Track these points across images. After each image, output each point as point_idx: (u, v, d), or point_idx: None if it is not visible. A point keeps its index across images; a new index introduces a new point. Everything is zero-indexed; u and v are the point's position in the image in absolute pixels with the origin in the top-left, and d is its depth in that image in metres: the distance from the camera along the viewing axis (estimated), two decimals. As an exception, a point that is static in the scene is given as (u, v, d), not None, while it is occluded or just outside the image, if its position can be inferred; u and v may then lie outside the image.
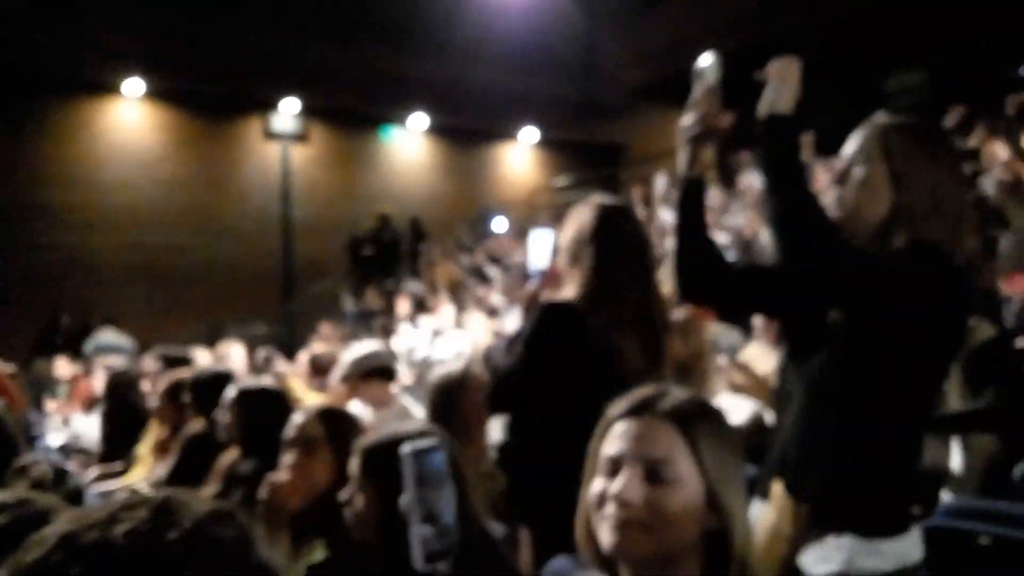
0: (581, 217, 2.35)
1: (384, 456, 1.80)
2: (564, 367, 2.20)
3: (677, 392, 1.25)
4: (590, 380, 2.05)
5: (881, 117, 1.71)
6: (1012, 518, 2.86)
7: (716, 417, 1.26)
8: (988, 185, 6.53)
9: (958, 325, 1.63)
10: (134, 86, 12.21)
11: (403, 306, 9.13)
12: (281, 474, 2.20)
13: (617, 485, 1.17)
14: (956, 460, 3.43)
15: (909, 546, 1.53)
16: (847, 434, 1.54)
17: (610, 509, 1.17)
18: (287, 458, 2.22)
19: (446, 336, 7.73)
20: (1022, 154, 6.77)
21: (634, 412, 1.22)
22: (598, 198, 2.42)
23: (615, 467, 1.19)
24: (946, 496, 3.37)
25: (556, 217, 12.72)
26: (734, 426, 3.79)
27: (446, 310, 7.94)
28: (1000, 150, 6.87)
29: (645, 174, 14.07)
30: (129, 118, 12.53)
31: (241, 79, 12.49)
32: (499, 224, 12.14)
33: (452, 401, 2.76)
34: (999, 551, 2.68)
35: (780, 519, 1.56)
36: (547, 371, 2.22)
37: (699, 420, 1.21)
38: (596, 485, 1.21)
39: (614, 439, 1.22)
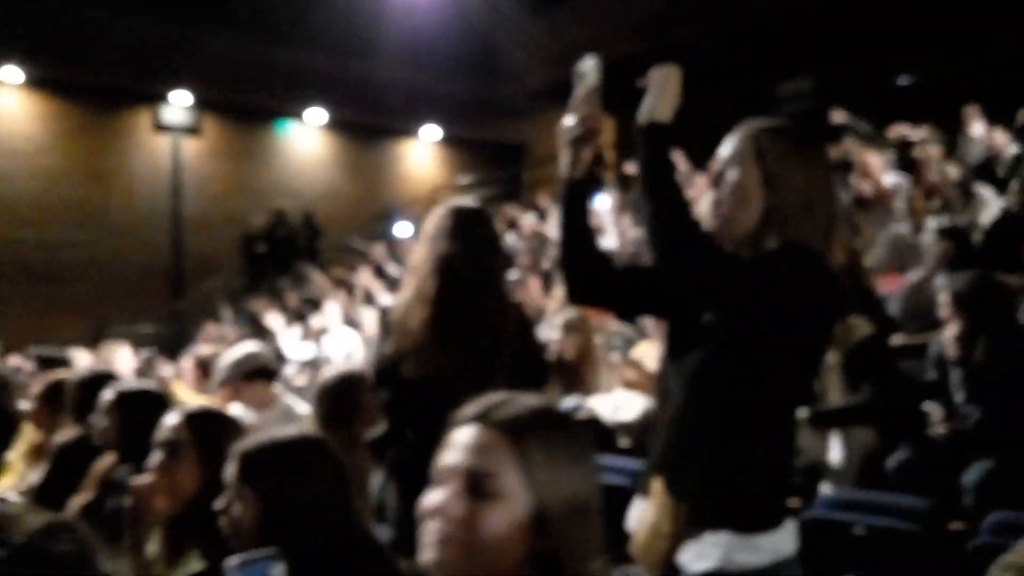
0: (435, 219, 2.48)
1: (263, 462, 1.77)
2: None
3: (521, 400, 1.15)
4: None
5: (755, 121, 1.75)
6: (885, 508, 3.00)
7: (558, 430, 1.15)
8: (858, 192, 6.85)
9: (827, 325, 1.66)
10: (11, 74, 11.56)
11: (292, 304, 8.96)
12: (144, 477, 2.11)
13: (437, 497, 1.10)
14: (835, 453, 3.56)
15: (784, 539, 1.56)
16: (723, 432, 1.56)
17: (429, 523, 1.09)
18: (152, 460, 2.14)
19: (335, 335, 7.63)
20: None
21: (468, 420, 1.13)
22: (456, 201, 2.58)
23: (443, 478, 1.12)
24: (825, 488, 3.50)
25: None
26: (626, 422, 3.88)
27: (332, 309, 7.83)
28: (873, 160, 7.23)
29: (547, 175, 14.24)
30: (6, 107, 11.85)
31: (129, 69, 11.98)
32: (402, 229, 11.95)
33: (341, 402, 2.70)
34: (872, 541, 2.79)
35: (660, 517, 1.58)
36: None
37: (535, 432, 1.11)
38: (428, 497, 1.12)
39: (446, 448, 1.13)
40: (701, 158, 9.43)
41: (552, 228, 9.01)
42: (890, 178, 6.75)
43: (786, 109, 10.69)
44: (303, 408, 3.62)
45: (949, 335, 3.59)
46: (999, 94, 7.82)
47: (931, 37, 10.32)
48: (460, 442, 1.12)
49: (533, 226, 9.23)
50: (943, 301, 3.62)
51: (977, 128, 7.43)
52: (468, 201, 2.62)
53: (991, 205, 5.72)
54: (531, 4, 13.79)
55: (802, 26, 11.00)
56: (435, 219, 2.52)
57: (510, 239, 9.34)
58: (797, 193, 1.61)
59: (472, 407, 1.15)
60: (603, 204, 9.77)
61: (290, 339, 8.10)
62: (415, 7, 12.26)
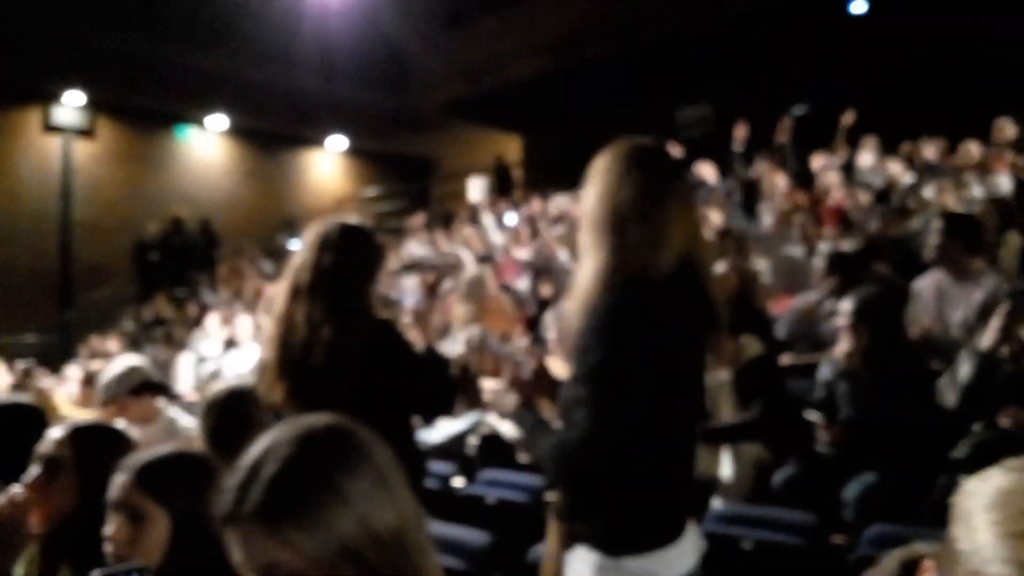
0: (315, 234, 2.46)
1: (171, 477, 1.74)
2: None
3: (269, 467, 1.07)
4: None
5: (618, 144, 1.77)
6: (771, 523, 3.09)
7: (316, 479, 1.06)
8: (767, 214, 7.11)
9: (679, 345, 1.62)
10: None
11: (192, 316, 8.65)
12: (19, 490, 1.99)
13: None
14: (726, 469, 3.65)
15: (663, 561, 1.57)
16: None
17: None
18: (29, 475, 2.02)
19: (243, 349, 7.38)
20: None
21: (224, 522, 1.08)
22: (338, 217, 2.55)
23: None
24: (717, 503, 3.58)
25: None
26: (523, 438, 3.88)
27: (243, 321, 7.57)
28: (780, 180, 7.51)
29: (457, 189, 14.27)
30: None
31: (18, 66, 11.41)
32: (298, 243, 11.71)
33: (229, 418, 2.60)
34: (760, 555, 2.87)
35: (550, 538, 1.58)
36: None
37: (282, 504, 1.04)
38: None
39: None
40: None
41: (460, 244, 9.02)
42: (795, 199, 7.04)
43: (685, 134, 11.01)
44: (188, 422, 3.49)
45: (844, 349, 3.70)
46: (892, 125, 8.26)
47: (825, 69, 10.86)
48: (235, 548, 1.07)
49: (443, 242, 9.17)
50: (845, 310, 3.73)
51: (870, 157, 7.78)
52: (347, 218, 2.54)
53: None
54: (443, 19, 13.82)
55: (702, 53, 11.39)
56: (307, 234, 2.51)
57: (420, 252, 9.27)
58: (624, 207, 1.63)
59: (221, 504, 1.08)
60: (511, 220, 9.86)
61: (196, 350, 7.81)
62: (326, 15, 12.10)
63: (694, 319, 1.62)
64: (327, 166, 15.68)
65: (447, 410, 2.65)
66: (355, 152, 15.68)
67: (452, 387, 2.84)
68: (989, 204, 5.34)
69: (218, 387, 2.74)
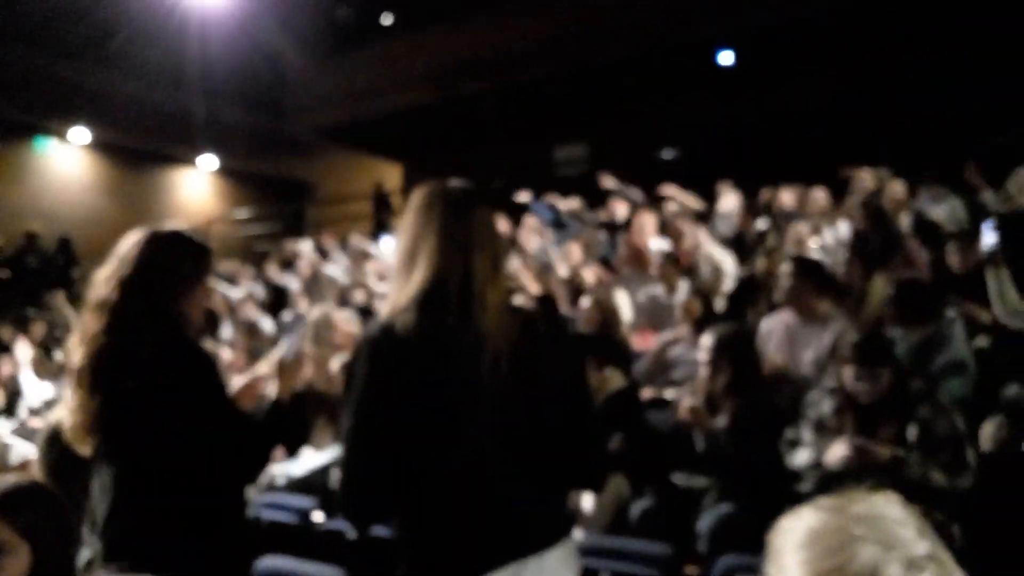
0: (128, 246, 2.17)
1: (33, 509, 1.74)
2: None
3: None
4: None
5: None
6: (628, 554, 3.15)
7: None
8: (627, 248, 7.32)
9: (427, 386, 1.56)
10: None
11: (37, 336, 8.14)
12: None
13: None
14: (587, 500, 3.70)
15: None
16: None
17: None
18: None
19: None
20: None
21: None
22: (152, 226, 2.23)
23: None
24: (578, 534, 3.62)
25: (231, 250, 12.22)
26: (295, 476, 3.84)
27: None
28: (648, 221, 7.76)
29: (332, 214, 14.07)
30: None
31: None
32: None
33: (72, 451, 2.43)
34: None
35: None
36: None
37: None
38: None
39: None
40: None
41: (333, 268, 8.85)
42: (656, 243, 7.28)
43: (560, 172, 11.29)
44: (25, 449, 3.27)
45: (705, 384, 3.83)
46: (752, 171, 8.71)
47: (694, 115, 11.39)
48: None
49: (313, 265, 8.93)
50: (706, 345, 3.86)
51: (729, 202, 8.14)
52: (164, 224, 2.26)
53: (730, 274, 6.28)
54: (326, 45, 13.70)
55: (579, 95, 11.74)
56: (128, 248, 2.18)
57: (289, 280, 9.04)
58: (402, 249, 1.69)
59: None
60: (388, 247, 9.77)
61: (29, 376, 7.33)
62: (203, 32, 11.75)
63: (461, 356, 1.55)
64: (197, 185, 15.13)
65: (251, 478, 2.25)
66: (228, 172, 15.20)
67: (263, 454, 2.24)
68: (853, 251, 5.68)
69: (55, 417, 2.56)
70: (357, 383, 1.54)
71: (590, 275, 6.57)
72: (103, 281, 2.11)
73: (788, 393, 4.16)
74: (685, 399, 3.73)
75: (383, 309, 1.65)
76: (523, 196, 9.56)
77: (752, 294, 5.43)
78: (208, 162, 14.74)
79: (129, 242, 2.16)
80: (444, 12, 12.25)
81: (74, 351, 2.07)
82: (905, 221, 6.42)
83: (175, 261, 2.17)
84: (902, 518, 0.89)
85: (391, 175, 15.92)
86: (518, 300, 1.71)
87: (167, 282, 2.13)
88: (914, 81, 9.99)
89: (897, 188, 6.98)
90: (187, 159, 14.57)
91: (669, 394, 4.76)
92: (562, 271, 6.95)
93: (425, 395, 1.52)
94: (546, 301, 6.35)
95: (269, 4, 11.61)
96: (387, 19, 14.01)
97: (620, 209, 8.33)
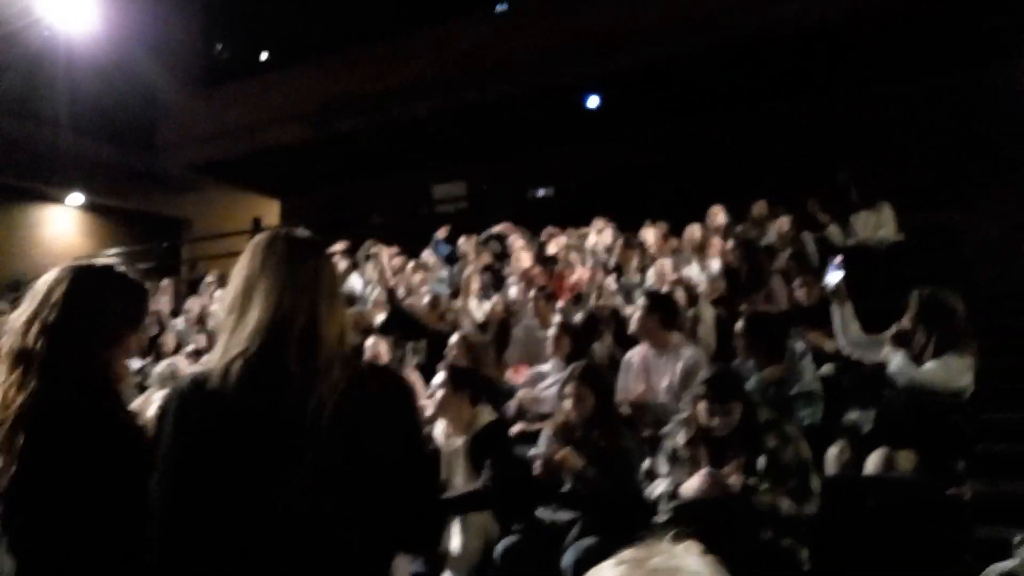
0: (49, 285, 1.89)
1: None
2: None
3: None
4: None
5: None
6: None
7: None
8: (511, 288, 7.43)
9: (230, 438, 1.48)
10: None
11: None
12: None
13: None
14: (455, 541, 3.69)
15: None
16: None
17: None
18: None
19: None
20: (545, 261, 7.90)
21: None
22: (71, 262, 1.99)
23: None
24: None
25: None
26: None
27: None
28: (522, 258, 7.89)
29: (208, 251, 13.64)
30: None
31: None
32: None
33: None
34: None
35: None
36: None
37: None
38: None
39: None
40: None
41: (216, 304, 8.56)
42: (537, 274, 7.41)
43: (440, 209, 11.37)
44: None
45: (567, 414, 3.90)
46: (625, 208, 9.02)
47: (565, 156, 11.74)
48: None
49: (200, 306, 8.61)
50: (572, 376, 3.93)
51: (604, 238, 8.36)
52: (95, 260, 2.09)
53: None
54: (200, 79, 13.38)
55: (457, 134, 11.89)
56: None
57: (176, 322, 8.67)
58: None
59: None
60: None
61: None
62: (69, 65, 11.24)
63: (284, 405, 1.48)
64: (64, 223, 14.40)
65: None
66: (96, 209, 14.54)
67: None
68: (677, 284, 5.95)
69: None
70: (164, 438, 1.48)
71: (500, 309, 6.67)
72: (21, 327, 1.78)
73: (648, 421, 4.31)
74: (551, 448, 3.78)
75: (214, 354, 1.57)
76: (441, 232, 9.51)
77: (595, 329, 5.59)
78: (74, 199, 14.08)
79: (50, 280, 1.84)
80: (320, 48, 12.21)
81: None
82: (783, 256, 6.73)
83: (107, 303, 1.85)
84: (699, 569, 0.92)
85: (270, 211, 15.61)
86: (356, 353, 1.69)
87: (98, 328, 1.82)
88: (766, 122, 10.63)
89: (783, 224, 7.33)
90: (53, 196, 13.87)
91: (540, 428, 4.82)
92: (458, 303, 7.02)
93: (235, 450, 1.45)
94: (437, 336, 6.36)
95: (140, 37, 11.27)
96: (263, 54, 13.83)
97: (517, 244, 8.45)
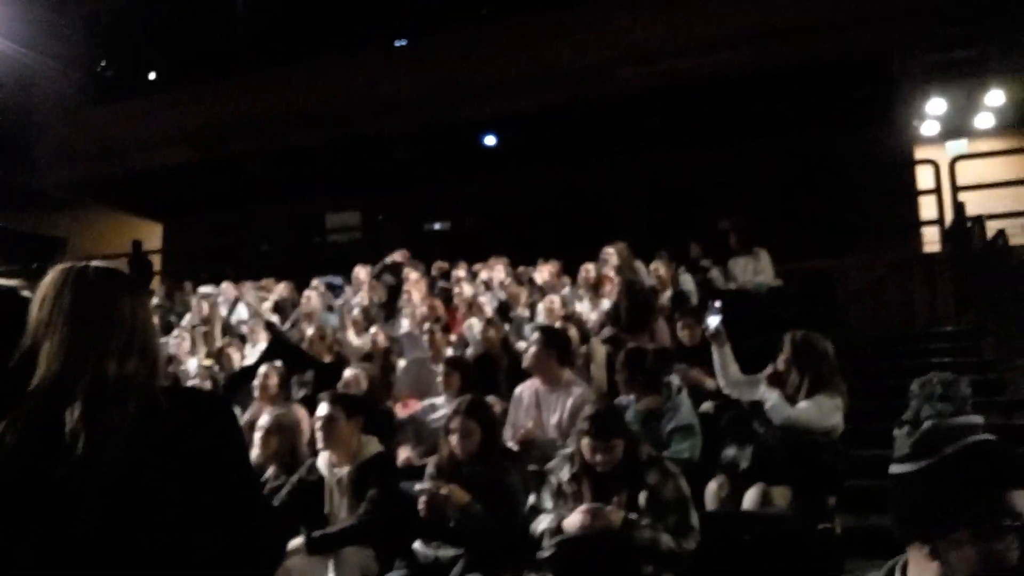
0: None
1: None
2: None
3: None
4: None
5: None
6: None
7: None
8: (405, 319, 7.37)
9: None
10: None
11: None
12: None
13: None
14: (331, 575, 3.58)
15: None
16: None
17: None
18: None
19: None
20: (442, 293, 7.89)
21: None
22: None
23: None
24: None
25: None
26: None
27: None
28: (416, 291, 7.86)
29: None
30: None
31: None
32: None
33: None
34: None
35: None
36: None
37: None
38: None
39: None
40: (249, 276, 9.50)
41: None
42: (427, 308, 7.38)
43: (334, 238, 11.24)
44: None
45: (453, 449, 3.87)
46: (519, 247, 9.14)
47: (462, 190, 11.84)
48: None
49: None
50: (458, 410, 3.90)
51: (497, 274, 8.40)
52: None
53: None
54: (83, 95, 12.83)
55: (352, 164, 11.82)
56: None
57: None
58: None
59: None
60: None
61: None
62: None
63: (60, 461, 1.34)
64: (-79, 238, 13.47)
65: None
66: (-37, 226, 13.69)
67: None
68: (569, 320, 6.04)
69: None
70: None
71: (382, 341, 6.57)
72: None
73: (536, 456, 4.32)
74: (435, 482, 3.74)
75: None
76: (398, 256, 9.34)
77: (493, 364, 5.62)
78: (-62, 214, 13.21)
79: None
80: (212, 71, 11.94)
81: None
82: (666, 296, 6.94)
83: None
84: None
85: (152, 234, 15.04)
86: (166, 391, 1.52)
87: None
88: (655, 167, 11.05)
89: (661, 266, 7.53)
90: (-91, 208, 12.98)
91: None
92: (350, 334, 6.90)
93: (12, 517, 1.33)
94: (335, 369, 6.20)
95: (19, 48, 10.74)
96: (151, 74, 13.38)
97: (412, 275, 8.39)
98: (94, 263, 1.57)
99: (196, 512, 1.38)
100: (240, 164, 11.83)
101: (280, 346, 6.34)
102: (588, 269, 7.66)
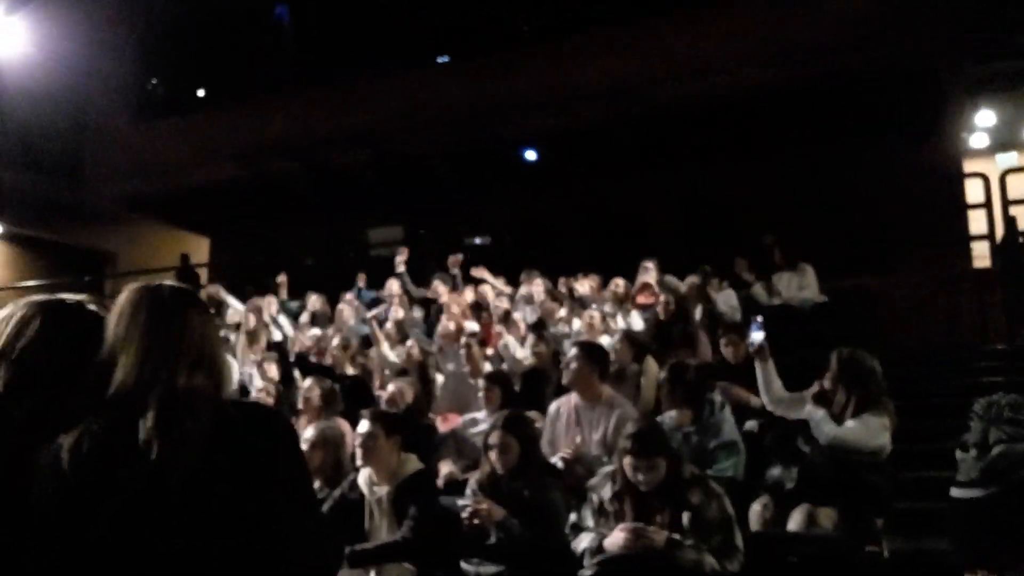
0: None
1: None
2: None
3: None
4: None
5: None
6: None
7: None
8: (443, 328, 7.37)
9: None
10: None
11: None
12: None
13: None
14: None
15: None
16: None
17: None
18: None
19: None
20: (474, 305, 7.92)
21: None
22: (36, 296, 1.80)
23: None
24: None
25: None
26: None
27: None
28: (455, 303, 7.89)
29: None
30: None
31: None
32: None
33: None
34: None
35: None
36: None
37: None
38: None
39: None
40: (297, 292, 9.62)
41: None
42: (470, 324, 7.40)
43: (375, 252, 11.35)
44: None
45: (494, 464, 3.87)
46: (558, 262, 9.13)
47: (502, 205, 11.90)
48: None
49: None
50: (496, 426, 3.91)
51: (533, 288, 8.39)
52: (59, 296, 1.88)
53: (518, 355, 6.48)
54: (131, 112, 13.13)
55: (394, 180, 11.97)
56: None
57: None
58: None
59: None
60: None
61: None
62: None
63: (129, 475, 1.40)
64: (-21, 252, 13.90)
65: None
66: (15, 239, 14.06)
67: None
68: (623, 336, 5.99)
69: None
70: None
71: (416, 354, 6.57)
72: None
73: (580, 473, 4.30)
74: (476, 499, 3.74)
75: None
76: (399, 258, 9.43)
77: (542, 380, 5.60)
78: (-8, 228, 13.61)
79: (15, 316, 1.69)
80: (259, 90, 12.15)
81: None
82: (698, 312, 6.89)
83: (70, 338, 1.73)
84: None
85: (199, 248, 15.32)
86: (233, 407, 1.57)
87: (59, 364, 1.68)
88: (693, 183, 10.98)
89: (692, 282, 7.48)
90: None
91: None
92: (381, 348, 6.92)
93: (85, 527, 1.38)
94: (358, 382, 6.26)
95: (72, 67, 11.05)
96: (200, 91, 13.68)
97: (441, 289, 8.43)
98: (168, 283, 1.65)
99: (258, 520, 1.43)
100: (284, 181, 12.04)
101: (301, 363, 6.42)
102: (618, 284, 7.63)
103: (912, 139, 10.15)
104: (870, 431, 3.92)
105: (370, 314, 7.87)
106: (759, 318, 4.45)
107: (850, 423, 3.95)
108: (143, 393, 1.46)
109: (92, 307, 1.74)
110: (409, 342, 6.85)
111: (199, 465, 1.40)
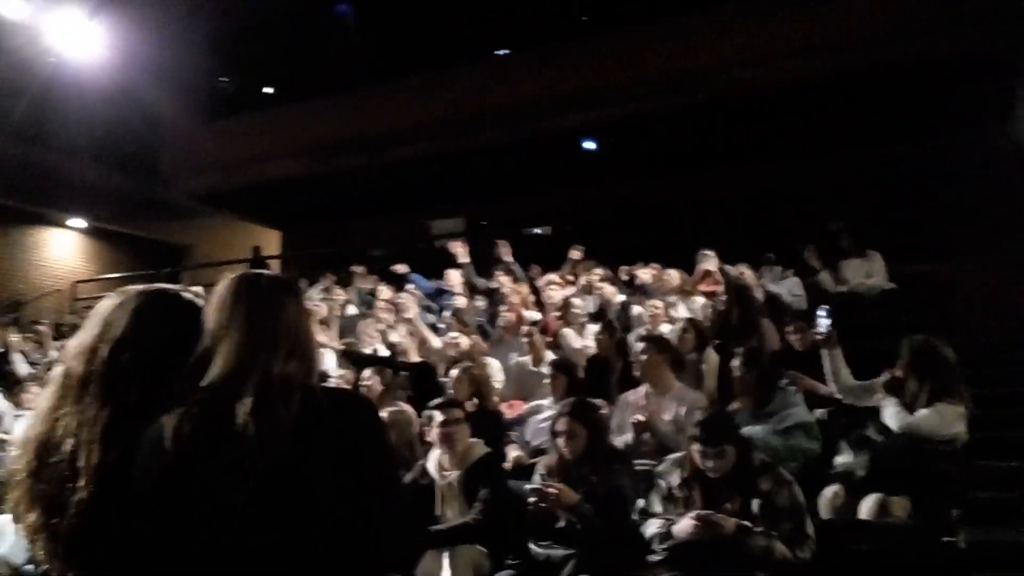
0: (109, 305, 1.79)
1: None
2: None
3: None
4: None
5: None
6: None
7: None
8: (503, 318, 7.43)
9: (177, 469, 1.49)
10: None
11: None
12: None
13: None
14: (445, 573, 3.68)
15: None
16: None
17: None
18: None
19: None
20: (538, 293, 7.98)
21: None
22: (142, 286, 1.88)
23: None
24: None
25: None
26: None
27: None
28: (516, 292, 7.95)
29: (208, 279, 13.68)
30: None
31: None
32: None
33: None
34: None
35: None
36: None
37: None
38: None
39: None
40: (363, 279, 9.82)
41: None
42: (531, 313, 7.47)
43: (438, 244, 11.46)
44: None
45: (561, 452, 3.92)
46: (614, 251, 9.12)
47: (562, 195, 11.93)
48: None
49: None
50: (562, 413, 3.97)
51: (592, 278, 8.41)
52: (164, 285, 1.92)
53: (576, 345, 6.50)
54: (205, 109, 13.53)
55: (456, 173, 12.13)
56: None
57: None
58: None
59: None
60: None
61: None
62: (74, 88, 11.30)
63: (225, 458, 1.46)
64: (64, 246, 14.46)
65: None
66: (97, 233, 14.63)
67: None
68: (688, 324, 5.97)
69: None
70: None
71: (465, 344, 6.65)
72: (75, 352, 1.72)
73: (651, 447, 4.33)
74: (542, 483, 3.79)
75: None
76: (401, 268, 9.67)
77: (606, 368, 5.62)
78: (76, 222, 14.17)
79: (118, 303, 1.76)
80: (325, 86, 12.37)
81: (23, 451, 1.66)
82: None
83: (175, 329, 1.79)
84: None
85: (270, 240, 15.73)
86: (325, 394, 1.64)
87: (165, 355, 1.74)
88: (756, 169, 10.81)
89: (747, 271, 7.42)
90: (53, 219, 13.95)
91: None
92: (440, 340, 7.00)
93: (183, 507, 1.46)
94: (423, 369, 6.38)
95: (147, 67, 11.40)
96: (268, 89, 14.03)
97: (504, 280, 8.50)
98: (265, 272, 1.74)
99: (345, 503, 1.49)
100: (352, 176, 12.33)
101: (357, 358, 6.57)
102: (670, 274, 7.60)
103: (980, 124, 9.86)
104: (944, 420, 3.86)
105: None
106: (826, 306, 4.42)
107: (923, 411, 3.89)
108: (241, 379, 1.52)
109: (189, 296, 1.83)
110: (452, 333, 6.91)
111: (290, 449, 1.46)
